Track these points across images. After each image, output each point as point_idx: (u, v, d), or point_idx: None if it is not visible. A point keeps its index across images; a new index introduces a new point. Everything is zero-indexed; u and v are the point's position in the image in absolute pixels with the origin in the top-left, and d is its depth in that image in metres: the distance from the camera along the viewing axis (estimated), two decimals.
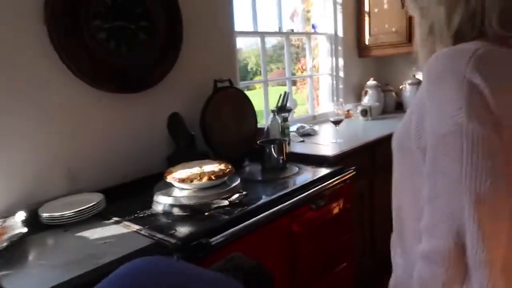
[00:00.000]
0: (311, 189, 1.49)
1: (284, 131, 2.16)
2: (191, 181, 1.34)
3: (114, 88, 1.61)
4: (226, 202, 1.31)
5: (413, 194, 0.66)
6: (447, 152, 0.57)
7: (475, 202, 0.54)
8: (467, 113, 0.55)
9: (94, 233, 1.21)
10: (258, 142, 1.83)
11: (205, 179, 1.35)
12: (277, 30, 2.70)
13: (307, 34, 2.97)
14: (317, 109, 3.13)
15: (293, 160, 1.86)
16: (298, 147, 2.14)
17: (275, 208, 1.32)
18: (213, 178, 1.36)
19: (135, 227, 1.22)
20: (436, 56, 0.62)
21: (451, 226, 0.56)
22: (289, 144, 2.14)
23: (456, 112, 0.56)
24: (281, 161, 1.78)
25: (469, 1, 0.62)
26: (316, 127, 2.52)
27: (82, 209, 1.29)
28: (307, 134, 2.42)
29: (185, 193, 1.36)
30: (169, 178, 1.39)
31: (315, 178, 1.60)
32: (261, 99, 2.61)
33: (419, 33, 0.71)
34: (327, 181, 1.58)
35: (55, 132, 1.47)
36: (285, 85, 2.84)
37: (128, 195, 1.53)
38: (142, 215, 1.31)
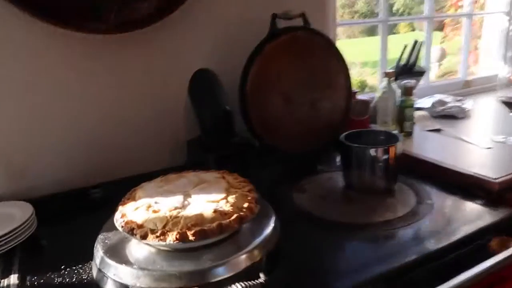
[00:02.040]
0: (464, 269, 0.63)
1: (404, 111, 1.21)
2: (149, 234, 0.60)
3: (86, 23, 0.91)
4: None
5: None
6: None
7: None
8: None
9: None
10: (341, 137, 0.95)
11: (174, 235, 0.58)
12: None
13: None
14: (474, 71, 1.98)
15: (409, 170, 0.95)
16: (426, 142, 1.18)
17: None
18: (193, 236, 0.59)
19: None
20: None
21: None
22: (409, 134, 1.20)
23: None
24: (383, 177, 0.90)
25: None
26: (468, 103, 1.46)
27: None
28: (449, 116, 1.40)
29: (144, 253, 0.63)
30: (117, 215, 0.67)
31: (465, 239, 0.70)
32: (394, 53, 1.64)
33: None
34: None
35: None
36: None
37: (91, 210, 0.89)
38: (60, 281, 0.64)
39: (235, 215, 0.62)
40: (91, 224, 0.72)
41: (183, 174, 0.78)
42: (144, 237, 0.59)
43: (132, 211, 0.65)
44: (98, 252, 0.65)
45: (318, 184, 0.98)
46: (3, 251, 0.72)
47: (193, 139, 1.07)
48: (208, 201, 0.66)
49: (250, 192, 0.70)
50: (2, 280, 0.66)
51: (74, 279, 0.65)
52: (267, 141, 1.04)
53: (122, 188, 0.75)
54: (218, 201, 0.66)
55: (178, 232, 0.58)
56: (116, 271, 0.60)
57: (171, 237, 0.58)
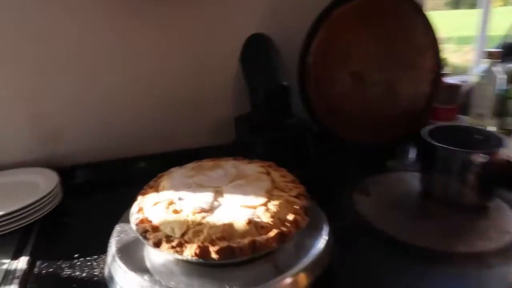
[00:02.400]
0: None
1: (507, 102, 0.96)
2: (164, 243, 0.47)
3: None
4: None
5: None
6: None
7: None
8: None
9: None
10: (423, 131, 0.75)
11: (193, 249, 0.46)
12: None
13: None
14: None
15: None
16: None
17: None
18: (216, 255, 0.45)
19: None
20: None
21: None
22: (510, 132, 0.95)
23: None
24: (476, 190, 0.69)
25: None
26: None
27: None
28: None
29: (162, 259, 0.51)
30: (134, 207, 0.56)
31: None
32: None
33: None
34: None
35: (23, 61, 0.79)
36: None
37: (126, 185, 0.79)
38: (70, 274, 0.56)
39: (274, 231, 0.48)
40: (123, 202, 0.61)
41: (220, 162, 0.65)
42: (157, 244, 0.47)
43: (151, 206, 0.54)
44: (111, 248, 0.55)
45: (387, 186, 0.80)
46: (21, 225, 0.65)
47: (242, 115, 0.93)
48: (243, 206, 0.52)
49: (298, 198, 0.55)
50: (12, 261, 0.59)
51: (84, 274, 0.56)
52: (328, 126, 0.86)
53: (161, 164, 0.66)
54: (255, 207, 0.51)
55: (199, 246, 0.45)
56: (124, 278, 0.49)
57: (190, 251, 0.45)
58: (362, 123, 0.88)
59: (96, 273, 0.56)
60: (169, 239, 0.47)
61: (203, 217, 0.49)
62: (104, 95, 0.86)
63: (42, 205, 0.68)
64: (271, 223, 0.49)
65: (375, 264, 0.58)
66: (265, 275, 0.47)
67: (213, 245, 0.46)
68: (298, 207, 0.53)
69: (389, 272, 0.56)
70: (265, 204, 0.52)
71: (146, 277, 0.48)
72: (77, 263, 0.59)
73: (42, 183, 0.74)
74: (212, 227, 0.48)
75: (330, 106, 0.86)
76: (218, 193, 0.55)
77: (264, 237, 0.47)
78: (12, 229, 0.63)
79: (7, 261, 0.59)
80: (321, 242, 0.54)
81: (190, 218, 0.49)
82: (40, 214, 0.67)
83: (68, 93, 0.84)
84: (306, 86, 0.84)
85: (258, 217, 0.50)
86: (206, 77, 0.92)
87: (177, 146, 0.93)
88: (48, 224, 0.69)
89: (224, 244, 0.46)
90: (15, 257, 0.60)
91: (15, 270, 0.57)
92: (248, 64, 0.86)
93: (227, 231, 0.47)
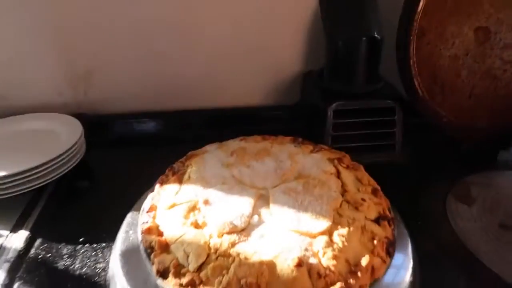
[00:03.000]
0: None
1: None
2: (171, 276, 0.32)
3: None
4: None
5: None
6: None
7: None
8: None
9: None
10: None
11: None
12: None
13: None
14: None
15: None
16: None
17: None
18: None
19: None
20: None
21: None
22: None
23: None
24: None
25: None
26: None
27: None
28: None
29: None
30: (146, 202, 0.41)
31: None
32: None
33: None
34: None
35: None
36: None
37: (163, 143, 0.67)
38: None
39: (338, 286, 0.30)
40: (156, 168, 0.47)
41: (272, 143, 0.47)
42: (162, 274, 0.32)
43: (166, 207, 0.38)
44: (117, 244, 0.41)
45: (498, 191, 0.58)
46: (32, 188, 0.54)
47: (313, 72, 0.72)
48: (292, 230, 0.34)
49: (379, 224, 0.36)
50: (10, 234, 0.49)
51: (84, 269, 0.44)
52: (428, 100, 0.63)
53: (206, 123, 0.59)
54: (314, 236, 0.34)
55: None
56: None
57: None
58: (479, 100, 0.63)
59: (98, 271, 0.44)
60: (179, 270, 0.32)
61: (233, 244, 0.33)
62: (148, 34, 0.69)
63: (60, 163, 0.56)
64: (332, 268, 0.31)
65: None
66: None
67: None
68: (377, 242, 0.34)
69: None
70: (329, 232, 0.34)
71: None
72: (81, 250, 0.47)
73: (64, 134, 0.62)
74: (243, 264, 0.31)
75: (436, 74, 0.62)
76: (262, 199, 0.38)
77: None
78: (22, 191, 0.53)
79: (5, 233, 0.49)
80: (404, 275, 0.35)
81: (214, 242, 0.33)
82: (55, 175, 0.56)
83: (105, 28, 0.68)
84: (407, 43, 0.60)
85: (314, 255, 0.32)
86: (272, 22, 0.71)
87: (229, 103, 0.76)
88: (61, 188, 0.58)
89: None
90: (14, 229, 0.50)
91: (9, 249, 0.47)
92: (330, 5, 0.64)
93: (265, 275, 0.31)
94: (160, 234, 0.36)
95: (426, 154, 0.68)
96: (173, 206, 0.38)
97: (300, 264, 0.31)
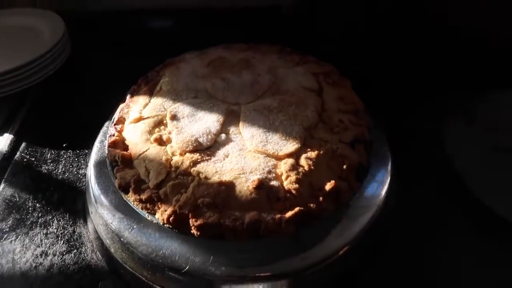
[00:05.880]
0: None
1: None
2: (131, 192, 0.32)
3: None
4: None
5: None
6: None
7: None
8: None
9: None
10: None
11: (166, 214, 0.30)
12: None
13: None
14: None
15: None
16: None
17: None
18: (197, 231, 0.30)
19: None
20: None
21: None
22: None
23: None
24: None
25: None
26: None
27: None
28: None
29: None
30: (117, 114, 0.39)
31: None
32: None
33: None
34: None
35: None
36: None
37: (156, 46, 0.63)
38: None
39: (296, 210, 0.30)
40: (144, 69, 0.45)
41: (254, 55, 0.43)
42: (124, 188, 0.32)
43: (133, 121, 0.37)
44: (92, 154, 0.41)
45: (505, 111, 0.53)
46: (16, 90, 0.53)
47: None
48: (258, 151, 0.33)
49: (354, 148, 0.34)
50: None
51: (67, 174, 0.45)
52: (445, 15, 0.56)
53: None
54: (280, 158, 0.32)
55: (174, 212, 0.30)
56: (97, 214, 0.37)
57: (160, 215, 0.30)
58: None
59: (80, 176, 0.45)
60: (139, 186, 0.32)
61: (194, 163, 0.32)
62: None
63: (43, 64, 0.54)
64: (294, 192, 0.31)
65: (458, 250, 0.38)
66: (278, 252, 0.32)
67: (196, 215, 0.30)
68: (346, 166, 0.33)
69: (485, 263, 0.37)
70: (295, 155, 0.33)
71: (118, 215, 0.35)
72: (64, 156, 0.47)
73: (46, 32, 0.58)
74: (202, 184, 0.31)
75: None
76: (233, 116, 0.36)
77: (276, 217, 0.30)
78: (2, 95, 0.52)
79: None
80: (377, 197, 0.34)
81: (175, 159, 0.32)
82: (39, 78, 0.54)
83: None
84: None
85: (277, 178, 0.31)
86: None
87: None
88: (47, 89, 0.56)
89: (212, 216, 0.29)
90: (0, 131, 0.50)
91: None
92: None
93: (222, 196, 0.30)
94: (126, 148, 0.35)
95: (429, 63, 0.61)
96: (139, 119, 0.36)
97: (259, 186, 0.30)
